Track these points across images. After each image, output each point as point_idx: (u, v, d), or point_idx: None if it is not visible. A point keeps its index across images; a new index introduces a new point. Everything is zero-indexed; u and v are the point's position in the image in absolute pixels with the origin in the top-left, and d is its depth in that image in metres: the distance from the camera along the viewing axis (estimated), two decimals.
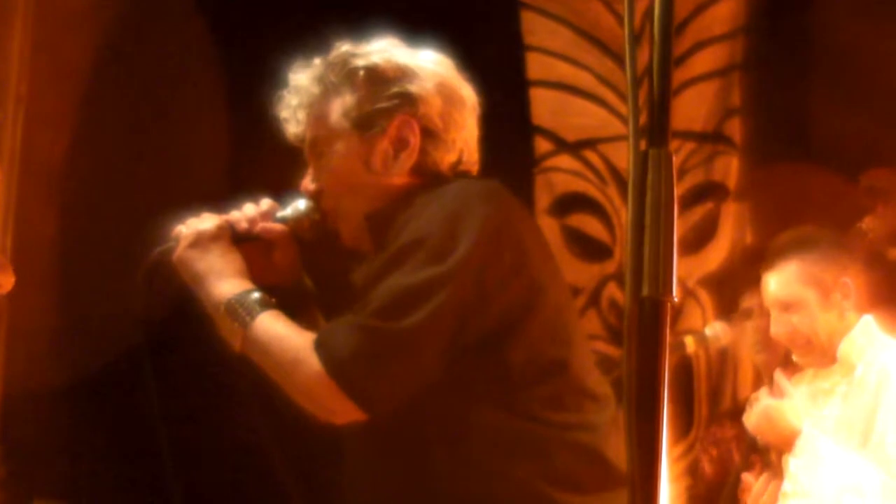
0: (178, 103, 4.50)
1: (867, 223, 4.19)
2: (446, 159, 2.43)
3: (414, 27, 2.52)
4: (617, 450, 2.30)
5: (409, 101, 2.40)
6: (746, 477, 3.71)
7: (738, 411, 3.90)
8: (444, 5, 4.52)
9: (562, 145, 5.08)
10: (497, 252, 2.27)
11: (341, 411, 2.26)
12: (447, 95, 2.43)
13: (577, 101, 5.05)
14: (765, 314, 3.73)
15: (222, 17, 4.57)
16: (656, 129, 1.38)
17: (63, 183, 4.42)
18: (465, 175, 2.46)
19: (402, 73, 2.42)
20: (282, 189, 2.57)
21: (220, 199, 2.55)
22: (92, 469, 4.24)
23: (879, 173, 4.33)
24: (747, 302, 4.07)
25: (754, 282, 3.77)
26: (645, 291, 1.34)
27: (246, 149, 4.22)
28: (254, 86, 2.74)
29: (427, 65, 2.44)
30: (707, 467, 4.46)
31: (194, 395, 3.76)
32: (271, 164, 2.70)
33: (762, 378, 4.01)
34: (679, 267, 1.36)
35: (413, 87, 2.40)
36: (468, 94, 2.48)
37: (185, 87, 4.54)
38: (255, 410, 2.59)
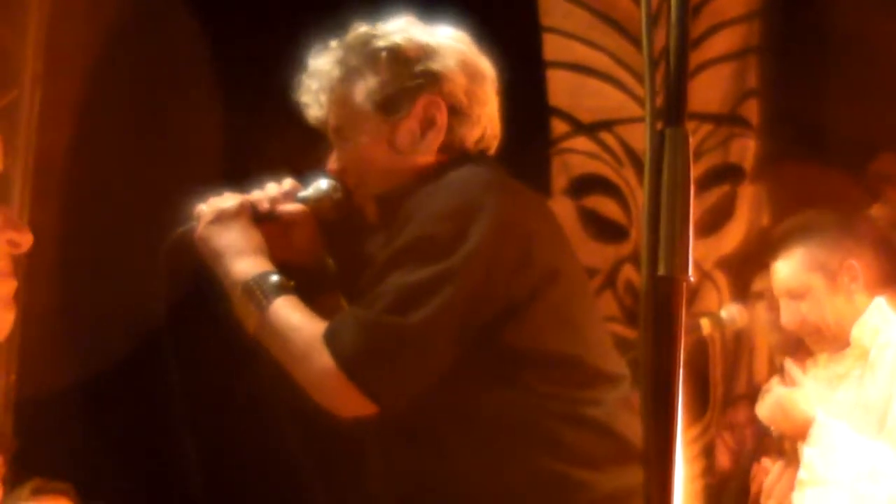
0: (179, 97, 4.49)
1: (876, 210, 4.17)
2: (471, 136, 2.43)
3: (430, 8, 2.51)
4: (627, 425, 2.31)
5: (433, 80, 2.39)
6: (765, 462, 3.70)
7: (753, 395, 3.89)
8: None
9: (578, 127, 5.07)
10: (505, 246, 2.27)
11: (352, 405, 2.28)
12: (470, 72, 2.42)
13: (593, 82, 5.04)
14: (775, 299, 3.72)
15: (231, 6, 4.56)
16: (673, 108, 1.38)
17: (68, 174, 4.41)
18: (485, 152, 2.46)
19: (425, 52, 2.41)
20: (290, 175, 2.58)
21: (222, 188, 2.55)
22: (103, 462, 4.25)
23: (888, 159, 4.32)
24: (759, 284, 4.06)
25: (769, 264, 3.76)
26: (661, 270, 1.35)
27: (253, 138, 4.21)
28: (263, 77, 2.74)
29: (447, 41, 2.43)
30: (722, 454, 4.46)
31: (216, 379, 3.76)
32: (281, 152, 2.70)
33: (777, 361, 4.00)
34: (696, 249, 1.36)
35: (436, 66, 2.40)
36: (488, 67, 2.47)
37: (185, 85, 4.52)
38: (274, 396, 2.60)
